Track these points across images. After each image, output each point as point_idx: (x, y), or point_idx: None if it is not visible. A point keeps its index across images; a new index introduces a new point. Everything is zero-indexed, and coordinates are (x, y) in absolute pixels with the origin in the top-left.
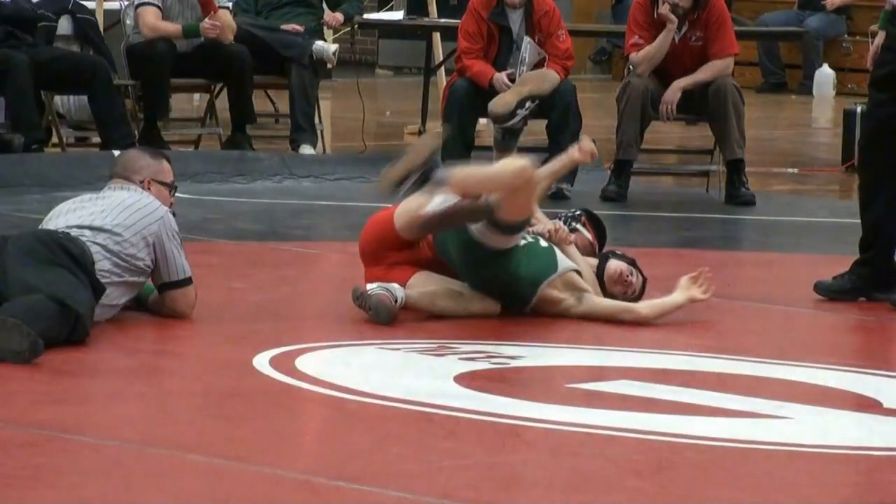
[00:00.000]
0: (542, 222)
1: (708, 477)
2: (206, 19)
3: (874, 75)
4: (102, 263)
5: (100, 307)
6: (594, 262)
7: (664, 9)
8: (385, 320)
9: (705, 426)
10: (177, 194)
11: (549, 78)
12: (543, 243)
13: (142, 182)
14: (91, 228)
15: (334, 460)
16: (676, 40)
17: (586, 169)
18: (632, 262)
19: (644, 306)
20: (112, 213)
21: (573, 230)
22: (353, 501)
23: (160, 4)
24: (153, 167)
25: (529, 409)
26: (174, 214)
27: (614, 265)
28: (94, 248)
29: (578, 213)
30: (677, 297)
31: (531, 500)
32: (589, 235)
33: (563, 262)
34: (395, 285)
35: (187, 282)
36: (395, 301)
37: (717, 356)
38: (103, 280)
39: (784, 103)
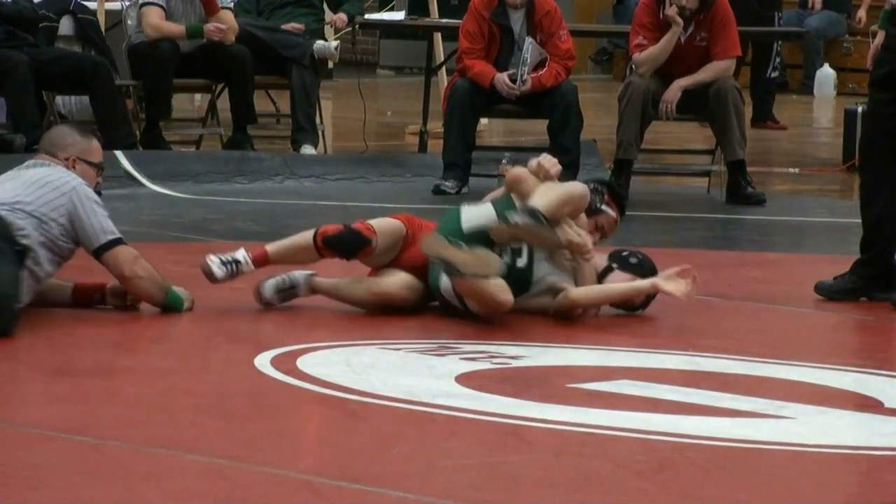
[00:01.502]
0: (567, 234)
1: (709, 477)
2: (211, 21)
3: (873, 75)
4: (27, 231)
5: (32, 277)
6: (600, 263)
7: (671, 10)
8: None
9: (707, 426)
10: (177, 194)
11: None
12: (521, 263)
13: (66, 159)
14: (8, 204)
15: (335, 460)
16: (682, 40)
17: (587, 168)
18: (648, 272)
19: (579, 289)
20: (26, 189)
21: (600, 212)
22: (354, 501)
23: (164, 4)
24: (81, 145)
25: (531, 409)
26: (99, 194)
27: (610, 279)
28: (15, 216)
29: (601, 188)
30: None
31: (532, 500)
32: (614, 213)
33: (537, 283)
34: (301, 272)
35: (114, 243)
36: (291, 285)
37: (719, 356)
38: (25, 241)
39: (785, 103)
